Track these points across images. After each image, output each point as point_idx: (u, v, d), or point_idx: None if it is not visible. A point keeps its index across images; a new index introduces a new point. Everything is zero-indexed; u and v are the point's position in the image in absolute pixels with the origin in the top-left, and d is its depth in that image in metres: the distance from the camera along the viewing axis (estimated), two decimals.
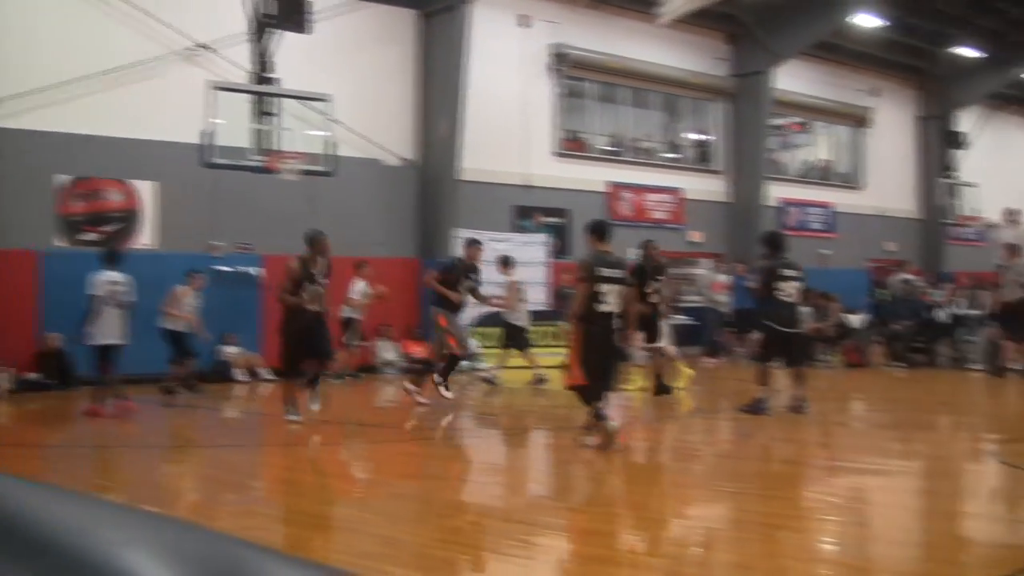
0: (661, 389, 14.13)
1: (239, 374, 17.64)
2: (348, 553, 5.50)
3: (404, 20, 21.41)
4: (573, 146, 24.57)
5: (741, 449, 10.37)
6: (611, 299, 9.44)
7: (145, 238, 18.14)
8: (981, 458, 9.54)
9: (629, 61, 24.71)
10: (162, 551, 1.26)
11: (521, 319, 17.30)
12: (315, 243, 11.97)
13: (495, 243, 21.42)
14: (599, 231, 9.90)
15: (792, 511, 6.97)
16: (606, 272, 9.48)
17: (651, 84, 25.91)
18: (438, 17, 21.11)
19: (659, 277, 14.08)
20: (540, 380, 16.39)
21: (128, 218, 18.10)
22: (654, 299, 13.77)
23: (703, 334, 22.51)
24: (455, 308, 13.57)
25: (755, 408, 11.88)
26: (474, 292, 13.85)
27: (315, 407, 11.84)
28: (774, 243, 12.55)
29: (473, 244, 14.11)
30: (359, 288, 17.23)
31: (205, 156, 15.81)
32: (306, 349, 11.72)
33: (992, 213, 24.86)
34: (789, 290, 12.03)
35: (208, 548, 1.34)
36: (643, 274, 13.47)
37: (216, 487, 8.30)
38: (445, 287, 13.43)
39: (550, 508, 7.35)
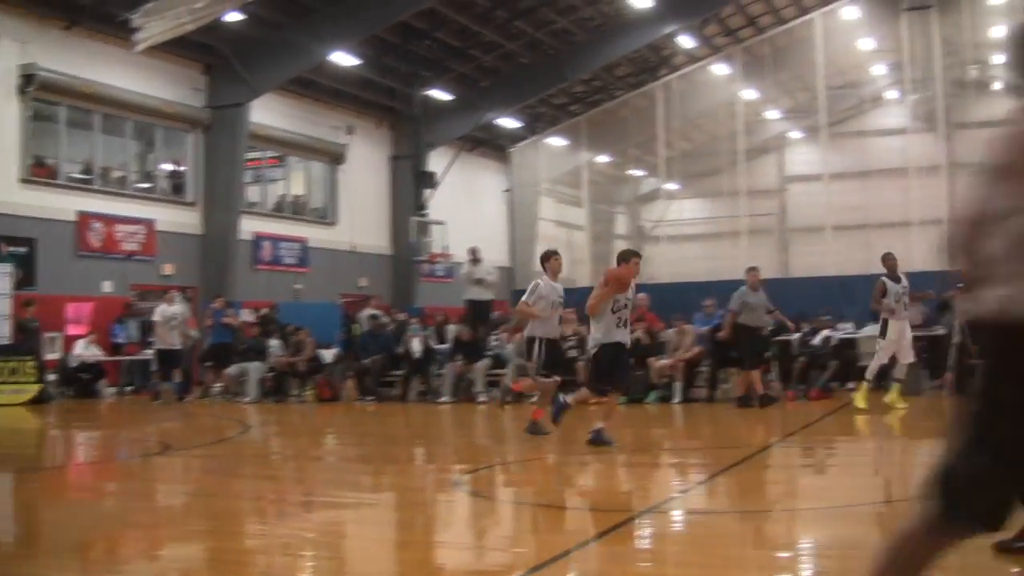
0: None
1: None
2: None
3: None
4: (42, 172, 25.67)
5: (214, 487, 10.85)
6: None
7: None
8: (450, 488, 10.19)
9: (103, 87, 26.45)
10: None
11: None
12: None
13: None
14: None
15: (265, 547, 7.45)
16: None
17: (125, 111, 27.77)
18: None
19: None
20: None
21: None
22: None
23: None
24: None
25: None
26: None
27: None
28: None
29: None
30: None
31: None
32: None
33: (460, 250, 28.63)
34: None
35: None
36: None
37: None
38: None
39: (9, 556, 7.38)
